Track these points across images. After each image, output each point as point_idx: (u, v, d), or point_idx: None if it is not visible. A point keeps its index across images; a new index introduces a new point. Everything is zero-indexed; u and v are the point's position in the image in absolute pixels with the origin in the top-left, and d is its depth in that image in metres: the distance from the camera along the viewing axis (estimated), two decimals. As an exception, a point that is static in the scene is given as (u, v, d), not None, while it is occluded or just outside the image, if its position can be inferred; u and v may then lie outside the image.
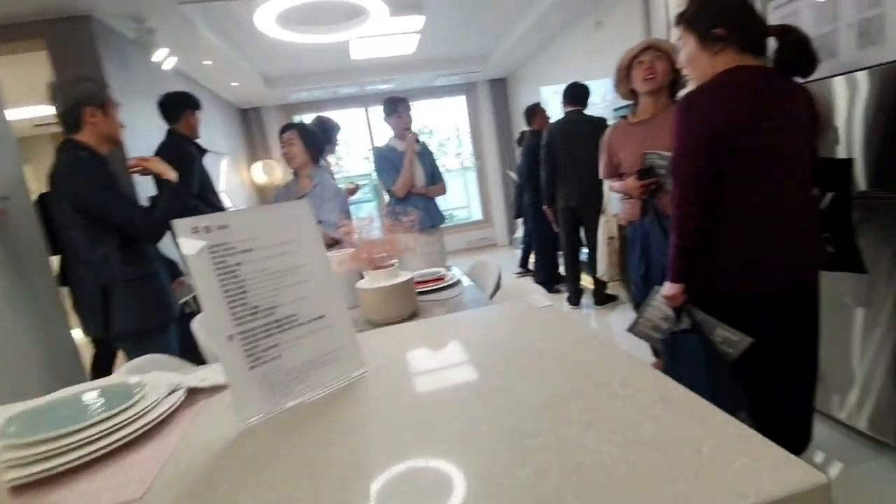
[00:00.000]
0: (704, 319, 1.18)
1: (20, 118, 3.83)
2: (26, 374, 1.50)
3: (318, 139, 2.21)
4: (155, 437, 0.59)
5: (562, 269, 3.55)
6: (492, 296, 1.51)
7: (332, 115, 3.14)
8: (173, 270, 1.92)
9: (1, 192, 1.56)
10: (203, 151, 2.34)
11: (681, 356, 1.21)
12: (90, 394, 0.66)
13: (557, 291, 3.70)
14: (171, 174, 1.64)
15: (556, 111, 3.61)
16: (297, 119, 5.33)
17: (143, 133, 3.03)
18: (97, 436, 0.54)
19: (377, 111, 3.24)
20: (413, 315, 1.32)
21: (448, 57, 4.99)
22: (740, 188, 1.10)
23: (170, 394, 0.67)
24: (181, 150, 2.18)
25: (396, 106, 2.41)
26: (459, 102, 6.20)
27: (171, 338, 1.64)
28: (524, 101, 4.67)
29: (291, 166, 2.18)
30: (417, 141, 2.46)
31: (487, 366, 0.67)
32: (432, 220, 2.47)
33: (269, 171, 5.21)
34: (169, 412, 0.64)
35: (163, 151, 2.17)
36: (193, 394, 0.71)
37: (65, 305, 1.73)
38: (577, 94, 3.04)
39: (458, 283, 1.59)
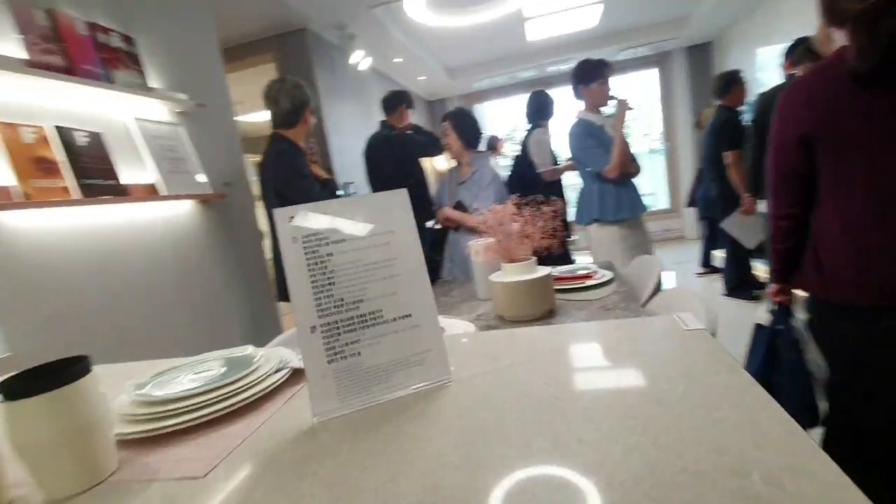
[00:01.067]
0: (798, 332, 1.15)
1: (246, 121, 4.80)
2: (229, 336, 1.86)
3: (472, 126, 2.19)
4: (249, 413, 0.62)
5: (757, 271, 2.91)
6: (646, 302, 1.26)
7: (514, 100, 3.11)
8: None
9: (226, 179, 1.95)
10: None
11: (776, 354, 1.19)
12: (215, 362, 0.74)
13: (756, 299, 3.01)
14: (325, 175, 1.89)
15: (772, 79, 2.88)
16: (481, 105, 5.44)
17: (349, 131, 3.47)
18: (197, 406, 0.60)
19: (559, 93, 3.04)
20: (549, 314, 1.19)
21: (636, 26, 4.45)
22: (847, 185, 0.97)
23: (276, 371, 0.71)
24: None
25: (599, 71, 2.09)
26: (647, 77, 5.51)
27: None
28: (733, 68, 3.87)
29: (450, 156, 2.22)
30: (628, 108, 2.05)
31: (578, 408, 0.52)
32: (635, 207, 2.12)
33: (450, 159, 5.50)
34: (268, 391, 0.67)
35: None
36: (299, 374, 0.73)
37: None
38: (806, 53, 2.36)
39: (608, 282, 1.38)
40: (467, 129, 2.15)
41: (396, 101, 2.68)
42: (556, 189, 2.68)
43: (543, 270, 1.23)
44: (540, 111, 2.85)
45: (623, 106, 2.06)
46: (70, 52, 1.35)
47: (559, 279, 1.47)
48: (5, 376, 0.48)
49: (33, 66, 1.24)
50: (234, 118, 2.10)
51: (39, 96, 1.29)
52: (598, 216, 2.13)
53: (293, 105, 1.76)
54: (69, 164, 1.30)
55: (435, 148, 2.57)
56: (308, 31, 3.03)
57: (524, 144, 2.83)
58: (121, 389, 0.65)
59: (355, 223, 0.64)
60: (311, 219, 0.62)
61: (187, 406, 0.59)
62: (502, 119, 5.75)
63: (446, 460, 0.45)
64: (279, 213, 0.62)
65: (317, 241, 0.62)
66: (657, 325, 0.72)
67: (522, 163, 2.80)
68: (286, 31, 3.00)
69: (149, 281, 1.52)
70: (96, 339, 1.33)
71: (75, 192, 1.29)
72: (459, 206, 2.14)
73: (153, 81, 1.66)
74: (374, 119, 4.16)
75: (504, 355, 0.71)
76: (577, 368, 0.63)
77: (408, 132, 2.71)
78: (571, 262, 2.51)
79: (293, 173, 1.73)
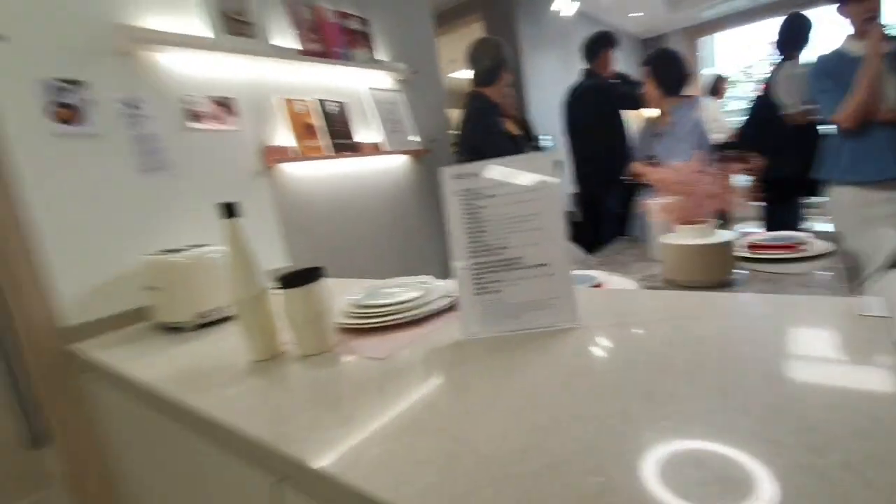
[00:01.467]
0: None
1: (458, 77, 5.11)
2: (421, 265, 2.19)
3: (673, 70, 1.96)
4: (421, 324, 0.83)
5: None
6: (863, 282, 1.05)
7: (752, 29, 2.57)
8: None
9: (432, 136, 2.24)
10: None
11: None
12: (404, 284, 0.97)
13: None
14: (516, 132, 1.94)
15: None
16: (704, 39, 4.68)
17: (549, 83, 3.48)
18: (388, 313, 0.83)
19: (820, 14, 2.40)
20: (724, 284, 1.11)
21: None
22: None
23: (442, 298, 0.90)
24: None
25: None
26: None
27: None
28: None
29: (649, 105, 2.05)
30: (886, 38, 1.54)
31: (680, 371, 0.54)
32: (881, 167, 1.61)
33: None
34: (435, 312, 0.86)
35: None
36: (461, 303, 0.91)
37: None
38: None
39: (818, 256, 1.18)
40: (667, 73, 1.94)
41: (597, 46, 2.50)
42: (806, 137, 2.15)
43: (723, 236, 1.13)
44: (794, 40, 2.30)
45: (874, 36, 1.54)
46: (325, 39, 1.75)
47: (756, 247, 1.31)
48: (281, 274, 0.76)
49: (304, 53, 1.67)
50: (441, 81, 2.36)
51: (307, 76, 1.72)
52: (830, 174, 1.72)
53: (492, 64, 1.90)
54: (325, 129, 1.73)
55: (635, 101, 2.37)
56: (513, -16, 3.09)
57: (769, 82, 2.34)
58: (343, 296, 0.94)
59: (507, 182, 0.75)
60: (471, 176, 0.76)
61: (381, 312, 0.83)
62: (736, 54, 4.78)
63: (554, 385, 0.56)
64: (445, 171, 0.77)
65: (473, 195, 0.76)
66: (824, 306, 0.65)
67: (763, 105, 2.34)
68: (492, -12, 3.12)
69: (371, 217, 1.94)
70: (334, 255, 1.79)
71: (327, 150, 1.72)
72: (653, 160, 2.00)
73: (380, 55, 2.00)
74: (576, 69, 4.02)
75: (640, 314, 0.75)
76: (702, 337, 0.63)
77: (610, 81, 2.55)
78: (796, 226, 2.10)
79: (486, 131, 1.89)
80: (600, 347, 0.64)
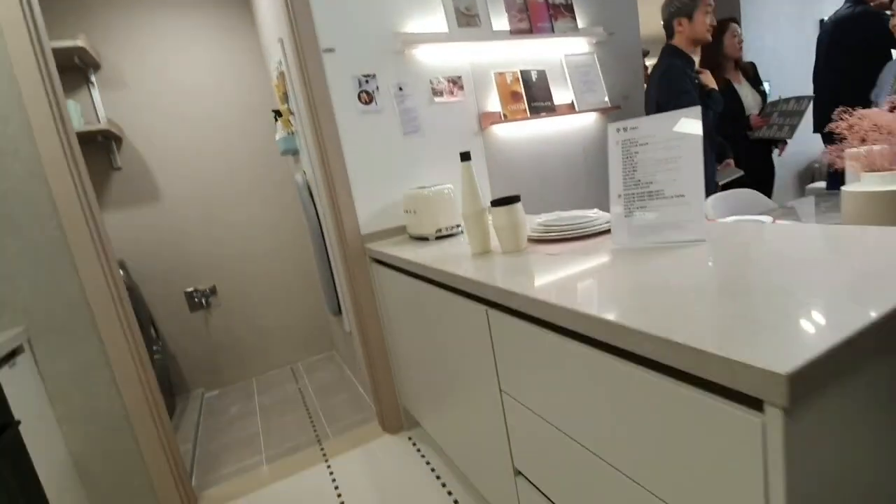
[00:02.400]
0: None
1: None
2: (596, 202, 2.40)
3: None
4: (591, 238, 1.17)
5: None
6: None
7: None
8: (724, 153, 2.25)
9: (625, 92, 2.39)
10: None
11: None
12: (570, 216, 1.31)
13: None
14: (713, 85, 1.95)
15: None
16: None
17: (777, 18, 3.14)
18: (564, 230, 1.19)
19: None
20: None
21: None
22: None
23: (603, 222, 1.21)
24: None
25: None
26: None
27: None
28: None
29: None
30: None
31: (759, 284, 0.75)
32: None
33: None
34: (595, 232, 1.19)
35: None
36: (621, 229, 1.20)
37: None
38: None
39: None
40: None
41: None
42: None
43: (917, 183, 1.11)
44: None
45: None
46: (532, 18, 2.08)
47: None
48: (493, 199, 1.19)
49: (514, 33, 2.04)
50: (637, 38, 2.44)
51: (513, 52, 2.10)
52: None
53: (669, 15, 2.00)
54: (525, 95, 2.10)
55: None
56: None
57: None
58: (535, 220, 1.33)
59: (656, 133, 1.01)
60: (630, 129, 1.04)
61: (556, 229, 1.20)
62: None
63: (693, 271, 0.86)
64: (611, 126, 1.07)
65: (630, 144, 1.04)
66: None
67: None
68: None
69: (560, 167, 2.26)
70: (530, 195, 2.19)
71: (528, 112, 2.09)
72: None
73: (580, 22, 2.23)
74: (813, 7, 3.39)
75: (753, 239, 0.94)
76: (799, 260, 0.82)
77: (881, 11, 2.20)
78: None
79: (669, 91, 1.99)
80: (715, 252, 0.88)
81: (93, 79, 2.40)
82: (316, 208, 2.22)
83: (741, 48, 2.44)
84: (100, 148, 2.46)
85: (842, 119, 1.23)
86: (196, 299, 2.77)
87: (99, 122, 2.35)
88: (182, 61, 2.65)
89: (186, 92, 2.67)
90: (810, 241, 0.85)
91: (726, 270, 0.77)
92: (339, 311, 2.37)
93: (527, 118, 2.09)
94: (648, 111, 2.19)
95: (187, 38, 2.66)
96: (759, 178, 2.42)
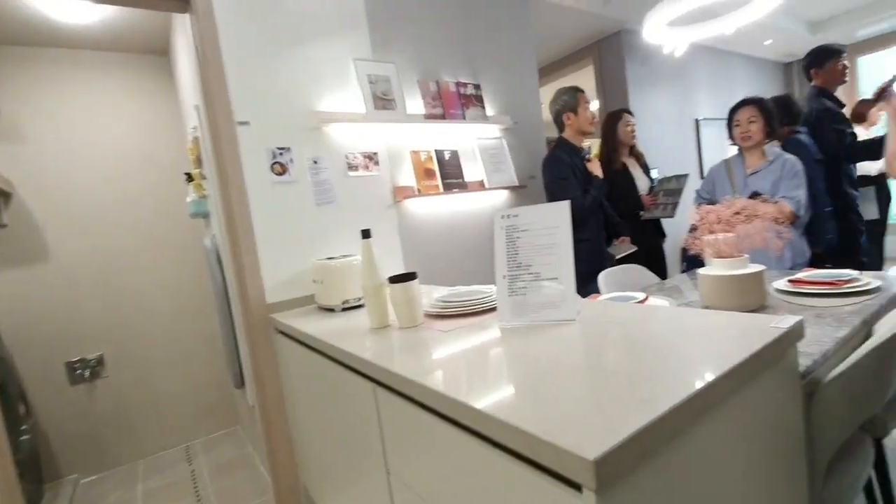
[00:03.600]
0: None
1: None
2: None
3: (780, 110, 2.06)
4: (477, 315, 1.23)
5: None
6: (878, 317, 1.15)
7: None
8: (618, 230, 2.50)
9: (531, 173, 2.62)
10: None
11: None
12: (466, 291, 1.38)
13: None
14: (598, 173, 2.22)
15: None
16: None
17: (659, 115, 3.63)
18: (454, 307, 1.25)
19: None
20: (757, 310, 1.29)
21: None
22: None
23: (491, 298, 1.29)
24: None
25: None
26: None
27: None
28: None
29: (746, 146, 2.12)
30: None
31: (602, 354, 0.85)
32: None
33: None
34: (486, 308, 1.26)
35: None
36: (511, 305, 1.28)
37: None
38: None
39: (868, 292, 1.28)
40: (773, 116, 2.06)
41: (822, 57, 2.55)
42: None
43: (754, 268, 1.31)
44: None
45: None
46: (445, 105, 2.27)
47: (800, 282, 1.43)
48: (389, 276, 1.23)
49: (427, 117, 2.21)
50: (541, 126, 2.74)
51: (428, 133, 2.26)
52: None
53: (555, 112, 2.29)
54: (438, 172, 2.24)
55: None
56: (623, 31, 3.33)
57: None
58: (433, 294, 1.38)
59: (535, 221, 1.12)
60: (512, 217, 1.15)
61: (450, 306, 1.25)
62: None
63: (558, 351, 0.92)
64: (496, 214, 1.17)
65: (512, 229, 1.14)
66: (747, 321, 0.89)
67: None
68: (603, 36, 3.39)
69: (471, 240, 2.38)
70: (437, 266, 2.26)
71: (441, 188, 2.22)
72: (755, 198, 2.08)
73: (489, 110, 2.47)
74: (693, 103, 4.02)
75: (616, 317, 1.05)
76: (634, 332, 0.92)
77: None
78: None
79: (552, 177, 2.25)
80: (580, 333, 0.97)
81: (-18, 131, 2.24)
82: (223, 275, 2.15)
83: (633, 135, 2.77)
84: (-20, 203, 2.26)
85: (696, 212, 1.44)
86: (79, 371, 2.49)
87: (-18, 176, 2.17)
88: (93, 118, 2.56)
89: (91, 148, 2.56)
90: (661, 322, 0.96)
91: (582, 352, 0.85)
92: (242, 384, 2.23)
93: (440, 193, 2.22)
94: (545, 191, 2.42)
95: (101, 96, 2.59)
96: (653, 255, 2.70)
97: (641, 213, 2.70)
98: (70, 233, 2.50)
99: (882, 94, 1.65)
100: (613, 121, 2.72)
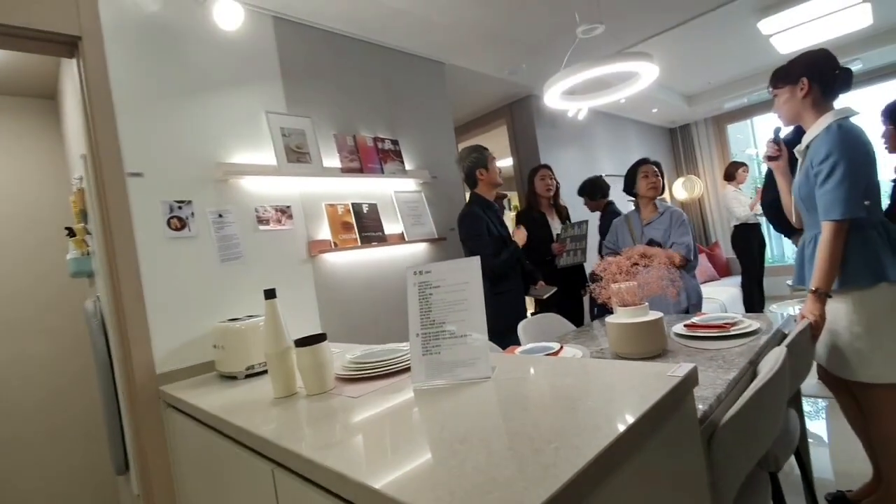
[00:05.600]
0: None
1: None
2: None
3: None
4: (390, 377, 1.17)
5: None
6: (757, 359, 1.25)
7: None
8: (534, 277, 2.57)
9: (451, 225, 2.67)
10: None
11: None
12: (381, 351, 1.32)
13: None
14: (519, 238, 2.32)
15: None
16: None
17: (568, 172, 3.90)
18: (367, 369, 1.18)
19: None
20: (658, 355, 1.35)
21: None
22: None
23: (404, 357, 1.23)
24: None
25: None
26: None
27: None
28: None
29: (652, 196, 2.34)
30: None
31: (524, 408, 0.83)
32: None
33: (690, 187, 5.16)
34: (400, 367, 1.20)
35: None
36: (427, 363, 1.24)
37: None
38: None
39: (751, 334, 1.40)
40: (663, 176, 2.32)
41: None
42: None
43: (654, 315, 1.39)
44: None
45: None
46: (362, 158, 2.28)
47: (694, 326, 1.54)
48: (296, 338, 1.14)
49: (344, 171, 2.19)
50: (459, 180, 2.83)
51: (345, 186, 2.23)
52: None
53: (468, 169, 2.40)
54: (356, 225, 2.20)
55: None
56: (532, 96, 3.63)
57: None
58: (346, 355, 1.30)
59: (447, 277, 1.11)
60: (425, 273, 1.13)
61: (362, 368, 1.18)
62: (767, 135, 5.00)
63: (468, 414, 0.88)
64: (409, 270, 1.14)
65: (425, 286, 1.12)
66: (647, 370, 0.92)
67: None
68: (515, 99, 3.67)
69: (392, 294, 2.33)
70: (358, 322, 2.17)
71: (359, 241, 2.18)
72: (651, 244, 2.26)
73: (408, 165, 2.51)
74: (596, 161, 4.42)
75: (530, 371, 1.05)
76: (556, 385, 0.92)
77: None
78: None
79: (467, 233, 2.31)
80: (493, 391, 0.94)
81: None
82: (107, 341, 1.89)
83: (550, 188, 2.93)
84: None
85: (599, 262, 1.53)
86: None
87: None
88: (-50, 166, 2.24)
89: (-51, 201, 2.22)
90: (569, 376, 0.96)
91: (492, 413, 0.82)
92: (126, 469, 1.91)
93: (358, 246, 2.17)
94: (462, 245, 2.46)
95: (-36, 142, 2.28)
96: (575, 299, 2.80)
97: (556, 261, 2.82)
98: None
99: (774, 151, 1.70)
100: (532, 175, 2.91)
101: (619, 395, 0.82)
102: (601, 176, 3.35)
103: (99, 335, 1.91)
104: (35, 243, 2.41)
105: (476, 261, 1.11)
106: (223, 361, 1.51)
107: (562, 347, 1.51)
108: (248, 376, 1.46)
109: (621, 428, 0.65)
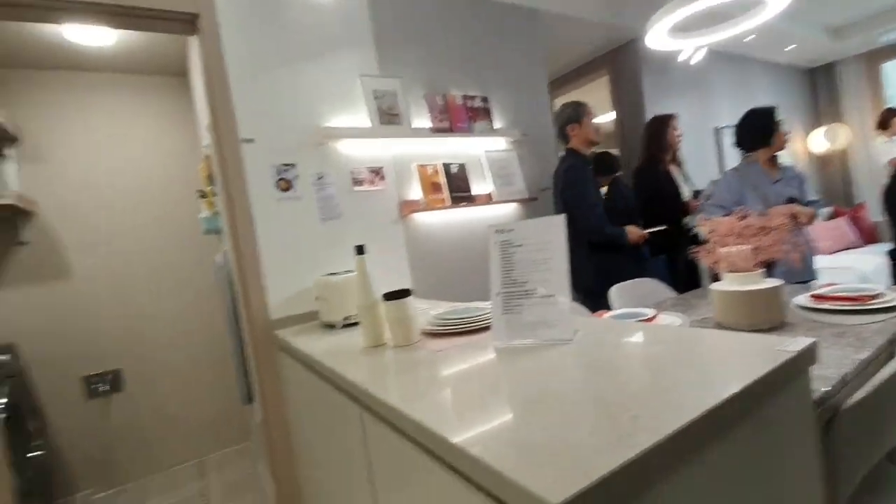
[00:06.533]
0: None
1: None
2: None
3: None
4: (472, 334, 1.19)
5: None
6: None
7: None
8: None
9: (542, 185, 2.58)
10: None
11: None
12: (465, 308, 1.34)
13: None
14: (633, 236, 2.21)
15: None
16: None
17: (684, 127, 3.53)
18: (451, 327, 1.21)
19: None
20: (776, 327, 1.21)
21: None
22: None
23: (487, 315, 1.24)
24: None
25: None
26: None
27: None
28: None
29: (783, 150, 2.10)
30: None
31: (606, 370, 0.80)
32: None
33: (833, 137, 4.36)
34: (481, 326, 1.21)
35: None
36: (510, 323, 1.24)
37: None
38: None
39: (894, 309, 1.19)
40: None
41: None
42: None
43: (771, 283, 1.24)
44: None
45: None
46: (452, 118, 2.26)
47: (822, 297, 1.34)
48: (385, 293, 1.20)
49: (434, 131, 2.20)
50: (552, 138, 2.70)
51: (435, 147, 2.25)
52: None
53: (559, 126, 2.31)
54: (446, 185, 2.22)
55: None
56: (637, 40, 3.27)
57: None
58: (431, 312, 1.34)
59: (529, 236, 1.08)
60: (508, 232, 1.11)
61: (448, 324, 1.21)
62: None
63: (547, 376, 0.88)
64: (490, 229, 1.13)
65: (507, 245, 1.10)
66: (754, 342, 0.82)
67: None
68: (616, 45, 3.35)
69: (479, 254, 2.33)
70: (446, 281, 2.23)
71: (448, 201, 2.20)
72: (791, 202, 2.00)
73: (498, 123, 2.44)
74: (713, 111, 3.91)
75: (614, 337, 1.00)
76: (635, 353, 0.87)
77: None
78: None
79: (572, 185, 2.20)
80: (574, 355, 0.92)
81: (6, 152, 2.33)
82: (233, 291, 2.16)
83: (680, 140, 2.70)
84: (4, 222, 2.34)
85: (703, 223, 1.38)
86: (94, 385, 2.53)
87: (4, 195, 2.25)
88: (110, 138, 2.65)
89: (111, 168, 2.64)
90: (661, 344, 0.90)
91: (572, 377, 0.80)
92: (250, 400, 2.22)
93: (447, 207, 2.19)
94: (555, 203, 2.36)
95: (119, 117, 2.68)
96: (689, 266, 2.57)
97: (685, 219, 2.59)
98: (89, 250, 2.57)
99: None
100: (661, 125, 2.66)
101: (716, 368, 0.75)
102: (608, 152, 3.03)
103: (226, 285, 2.19)
104: (174, 206, 2.79)
105: (561, 220, 1.06)
106: (324, 311, 1.65)
107: (656, 314, 1.41)
108: (345, 326, 1.58)
109: (712, 403, 0.60)
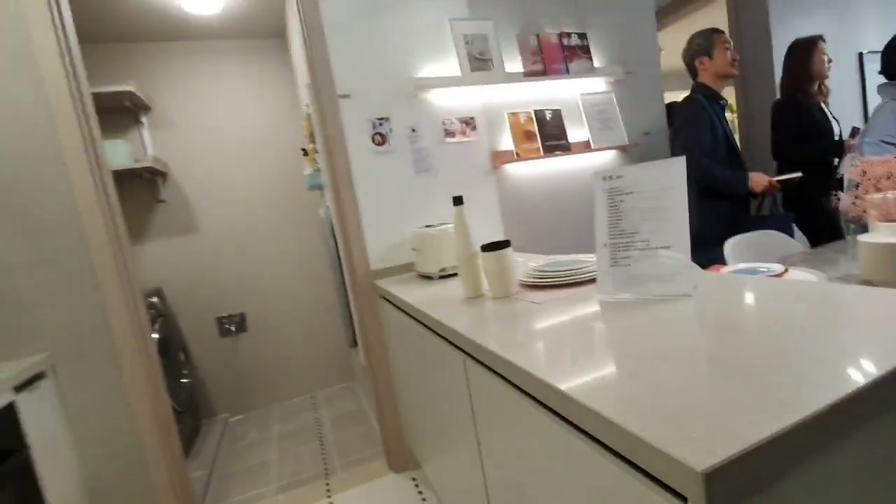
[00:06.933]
0: None
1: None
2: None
3: None
4: (577, 287, 1.14)
5: None
6: None
7: None
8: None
9: (646, 129, 2.36)
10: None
11: None
12: (566, 260, 1.28)
13: None
14: (757, 183, 1.96)
15: None
16: None
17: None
18: (551, 279, 1.17)
19: None
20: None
21: None
22: None
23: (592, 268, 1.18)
24: None
25: None
26: None
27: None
28: None
29: None
30: None
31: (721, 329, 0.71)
32: None
33: None
34: (586, 279, 1.16)
35: None
36: (615, 276, 1.17)
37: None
38: None
39: None
40: None
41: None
42: None
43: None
44: None
45: None
46: (546, 59, 2.11)
47: None
48: (483, 244, 1.19)
49: (527, 75, 2.08)
50: (658, 75, 2.42)
51: (527, 93, 2.13)
52: None
53: (688, 59, 2.04)
54: (539, 134, 2.11)
55: None
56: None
57: None
58: (529, 263, 1.31)
59: (641, 182, 0.99)
60: (615, 178, 1.03)
61: (547, 276, 1.18)
62: None
63: (666, 332, 0.83)
64: (596, 174, 1.06)
65: (615, 192, 1.03)
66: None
67: None
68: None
69: (575, 206, 2.23)
70: (540, 233, 2.17)
71: (541, 151, 2.10)
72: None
73: (598, 61, 2.24)
74: (857, 33, 3.24)
75: (750, 292, 0.90)
76: (763, 313, 0.77)
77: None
78: None
79: (685, 124, 1.97)
80: (696, 311, 0.84)
81: (143, 120, 2.63)
82: (336, 243, 2.30)
83: (830, 68, 2.29)
84: (145, 182, 2.68)
85: (854, 165, 1.16)
86: (226, 325, 2.90)
87: (145, 159, 2.56)
88: (222, 103, 2.86)
89: (225, 131, 2.87)
90: (802, 302, 0.80)
91: (697, 334, 0.73)
92: (355, 344, 2.40)
93: (540, 157, 2.10)
94: (673, 144, 2.15)
95: (228, 82, 2.88)
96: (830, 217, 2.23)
97: (838, 160, 2.24)
98: (213, 207, 2.87)
99: None
100: (805, 51, 2.25)
101: (874, 333, 0.64)
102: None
103: (329, 237, 2.34)
104: (282, 164, 2.99)
105: (681, 163, 0.96)
106: (421, 263, 1.70)
107: (786, 270, 1.25)
108: (441, 277, 1.62)
109: (882, 372, 0.51)
